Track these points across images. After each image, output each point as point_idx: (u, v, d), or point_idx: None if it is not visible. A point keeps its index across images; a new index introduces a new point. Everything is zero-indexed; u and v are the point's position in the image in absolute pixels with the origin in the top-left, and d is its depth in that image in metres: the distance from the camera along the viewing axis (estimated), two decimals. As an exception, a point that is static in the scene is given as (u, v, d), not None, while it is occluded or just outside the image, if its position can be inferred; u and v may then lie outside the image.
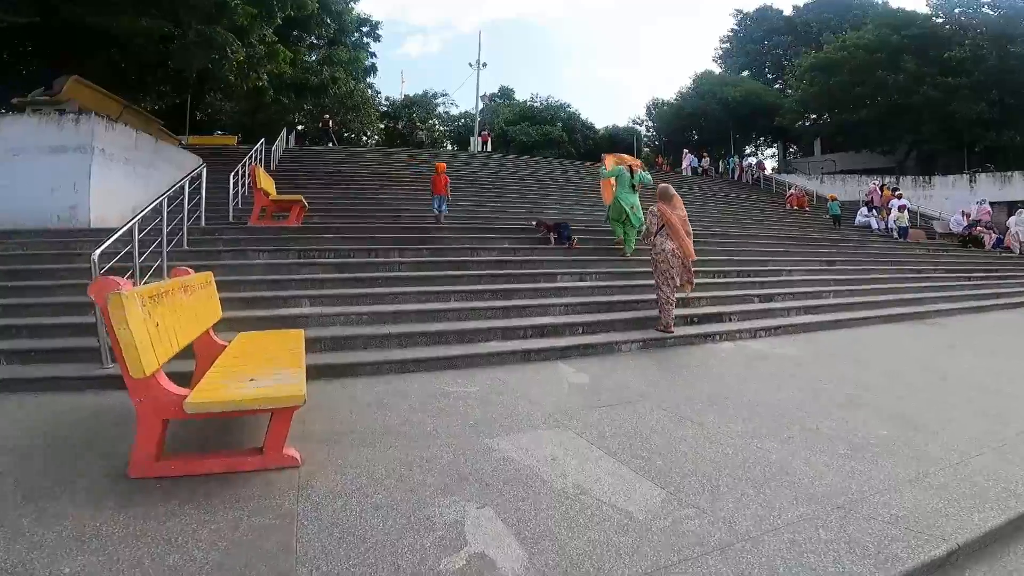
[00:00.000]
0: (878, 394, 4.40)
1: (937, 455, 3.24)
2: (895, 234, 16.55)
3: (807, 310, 7.59)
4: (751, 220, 15.98)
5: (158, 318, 2.67)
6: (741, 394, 4.33)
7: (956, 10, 25.49)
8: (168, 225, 5.80)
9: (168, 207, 5.82)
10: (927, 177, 23.62)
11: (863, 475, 2.95)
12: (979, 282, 11.35)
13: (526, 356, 5.25)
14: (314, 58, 22.96)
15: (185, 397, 2.73)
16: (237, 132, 28.62)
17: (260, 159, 13.43)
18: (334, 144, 24.53)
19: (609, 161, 8.58)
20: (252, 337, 4.09)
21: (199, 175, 7.46)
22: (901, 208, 15.84)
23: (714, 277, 8.18)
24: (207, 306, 3.66)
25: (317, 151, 20.45)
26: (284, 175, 14.27)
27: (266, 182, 8.13)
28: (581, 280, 7.11)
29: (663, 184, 6.48)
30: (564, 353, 5.40)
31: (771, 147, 41.08)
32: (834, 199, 18.19)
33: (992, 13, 24.51)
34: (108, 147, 8.46)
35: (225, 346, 3.89)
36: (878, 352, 5.98)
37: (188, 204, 6.61)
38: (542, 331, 5.72)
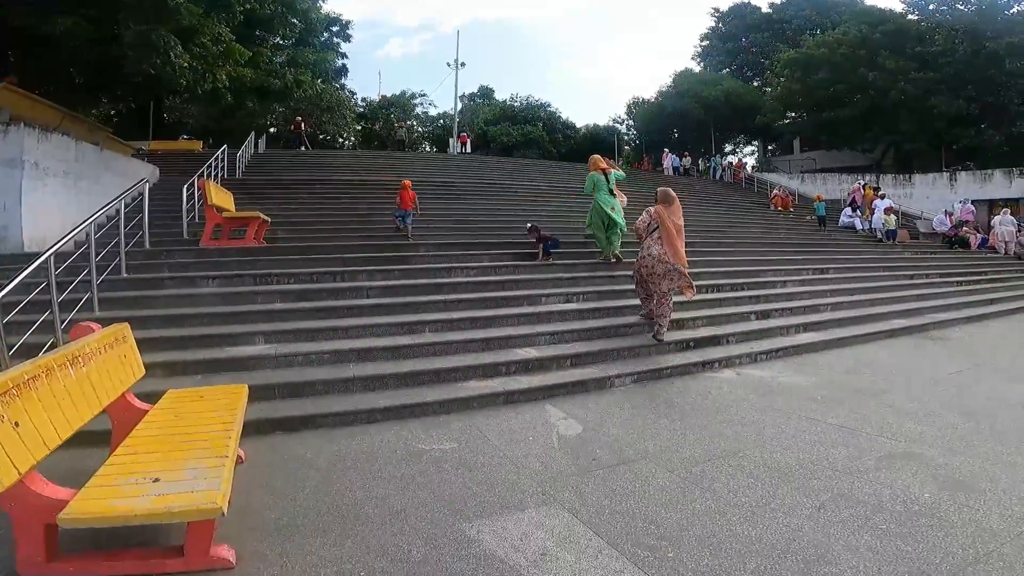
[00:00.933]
0: (912, 443, 3.90)
1: (997, 526, 2.74)
2: (880, 235, 16.29)
3: (807, 327, 7.14)
4: (738, 222, 15.62)
5: (18, 415, 2.02)
6: (757, 446, 3.79)
7: (931, 6, 25.58)
8: (99, 252, 5.08)
9: (101, 230, 5.09)
10: (907, 175, 23.63)
11: (916, 558, 2.43)
12: (972, 287, 11.11)
13: (509, 398, 4.67)
14: (279, 60, 21.87)
15: (66, 503, 2.12)
16: (207, 136, 27.50)
17: (221, 167, 12.60)
18: (307, 147, 23.64)
19: (591, 166, 7.95)
20: (182, 398, 3.42)
21: (141, 192, 6.70)
22: (888, 210, 15.61)
23: (708, 292, 7.69)
24: (118, 370, 3.00)
25: (287, 156, 19.58)
26: (249, 184, 13.48)
27: (219, 197, 7.38)
28: (568, 301, 6.54)
29: (664, 188, 6.11)
30: (551, 392, 4.83)
31: (749, 145, 41.15)
32: (820, 199, 18.02)
33: (965, 9, 24.62)
34: (42, 160, 7.62)
35: (147, 411, 3.23)
36: (895, 380, 5.50)
37: (125, 226, 5.85)
38: (527, 366, 5.13)
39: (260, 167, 16.07)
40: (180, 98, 24.42)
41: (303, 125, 24.20)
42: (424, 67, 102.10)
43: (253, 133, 19.46)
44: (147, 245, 6.79)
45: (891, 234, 14.51)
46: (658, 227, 5.77)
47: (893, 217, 15.26)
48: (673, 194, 5.96)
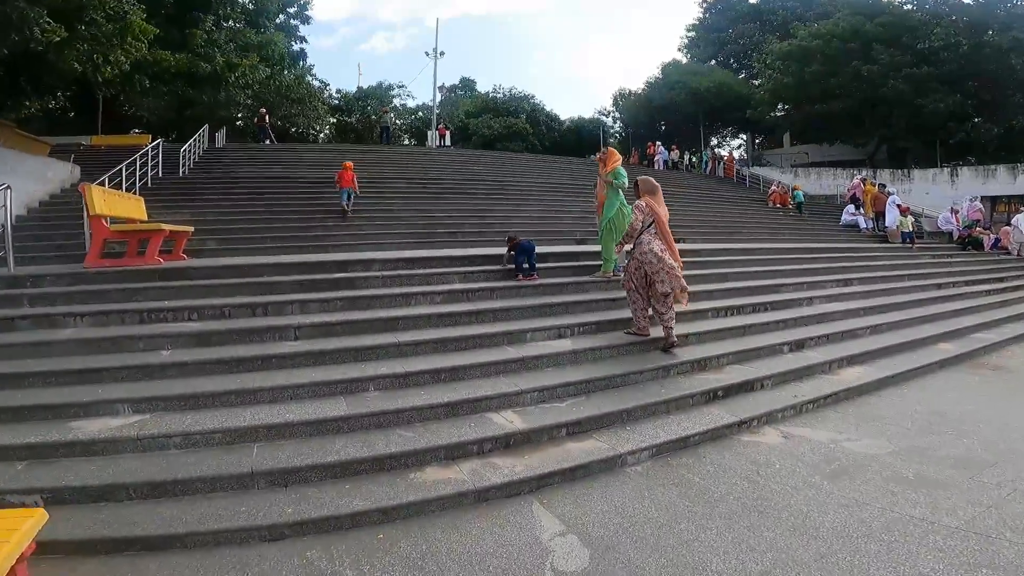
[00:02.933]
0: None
1: None
2: (901, 239, 14.77)
3: (850, 360, 5.83)
4: (740, 223, 14.40)
5: None
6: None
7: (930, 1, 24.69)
8: None
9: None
10: (906, 171, 22.71)
11: None
12: (1000, 296, 10.02)
13: (482, 496, 3.25)
14: (220, 40, 19.59)
15: None
16: (167, 130, 25.50)
17: (156, 164, 10.92)
18: (272, 142, 21.86)
19: (613, 160, 6.47)
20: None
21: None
22: (904, 211, 14.46)
23: (728, 315, 6.34)
24: None
25: (246, 151, 17.83)
26: (191, 184, 11.88)
27: (110, 205, 5.78)
28: (560, 337, 5.10)
29: (644, 176, 5.60)
30: (542, 483, 3.42)
31: (737, 138, 40.18)
32: (798, 189, 18.94)
33: (967, 1, 23.74)
34: None
35: None
36: (992, 441, 4.14)
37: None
38: (507, 442, 3.70)
39: (211, 164, 14.37)
40: (132, 90, 22.42)
41: (267, 118, 22.43)
42: (408, 62, 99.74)
43: (206, 126, 17.69)
44: (11, 270, 5.17)
45: (908, 236, 13.33)
46: (653, 222, 5.07)
47: (910, 219, 14.11)
48: (655, 182, 5.36)
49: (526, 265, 6.04)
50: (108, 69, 9.57)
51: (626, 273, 5.24)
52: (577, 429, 3.95)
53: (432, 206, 11.28)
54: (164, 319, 4.57)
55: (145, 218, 6.85)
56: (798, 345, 5.91)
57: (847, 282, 8.66)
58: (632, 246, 5.17)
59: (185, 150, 13.38)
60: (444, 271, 5.99)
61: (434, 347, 4.54)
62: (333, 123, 38.91)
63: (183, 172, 12.76)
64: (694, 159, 29.29)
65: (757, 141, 36.74)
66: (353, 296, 5.12)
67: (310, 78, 34.35)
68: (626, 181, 6.30)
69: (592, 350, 4.84)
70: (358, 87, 40.29)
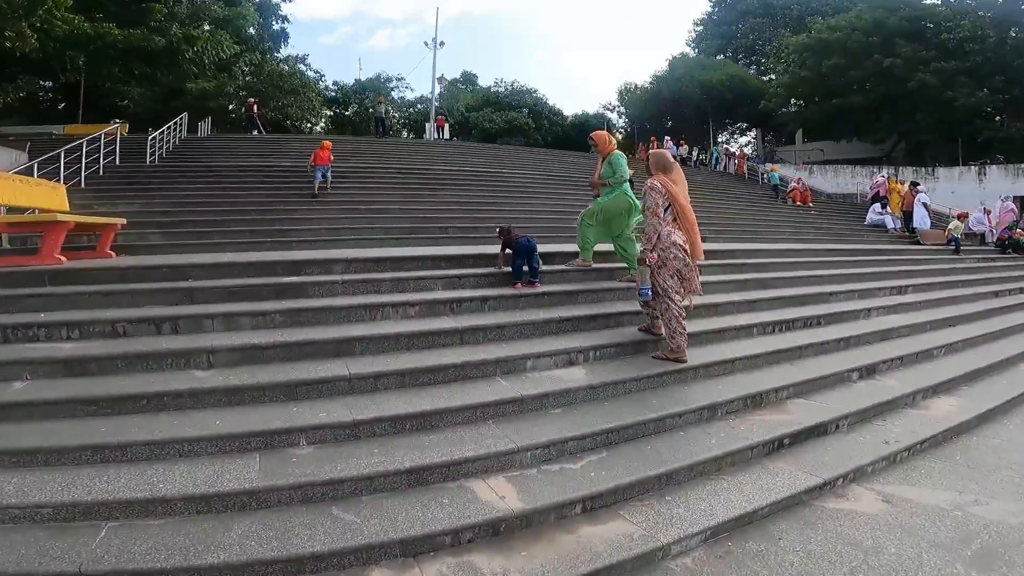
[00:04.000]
0: None
1: None
2: (951, 244, 13.14)
3: (935, 390, 4.62)
4: (760, 222, 13.17)
5: None
6: None
7: (956, -7, 23.47)
8: None
9: None
10: (930, 168, 21.42)
11: None
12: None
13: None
14: (181, 12, 18.04)
15: None
16: (155, 120, 24.49)
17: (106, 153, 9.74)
18: (260, 132, 20.74)
19: (607, 147, 5.27)
20: None
21: None
22: (963, 217, 13.42)
23: (776, 331, 5.12)
24: None
25: (224, 140, 16.77)
26: (153, 174, 10.77)
27: (6, 193, 4.56)
28: (570, 364, 3.88)
29: (655, 151, 4.57)
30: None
31: (745, 135, 38.86)
32: (775, 170, 19.07)
33: (992, -2, 22.52)
34: None
35: None
36: None
37: None
38: (495, 528, 2.50)
39: (184, 153, 13.20)
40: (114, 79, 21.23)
41: (255, 107, 21.33)
42: (409, 58, 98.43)
43: (185, 115, 16.60)
44: None
45: (955, 242, 12.05)
46: (671, 204, 3.99)
47: (963, 224, 13.03)
48: (671, 158, 4.24)
49: (526, 269, 4.81)
50: (18, 43, 8.28)
51: (653, 276, 4.03)
52: (597, 504, 2.74)
53: (421, 198, 10.06)
54: (34, 337, 3.36)
55: (66, 208, 5.66)
56: (869, 371, 4.69)
57: (901, 290, 7.42)
58: (652, 246, 3.97)
59: (154, 138, 12.23)
60: (424, 275, 4.75)
61: (399, 381, 3.32)
62: (329, 116, 37.69)
63: (150, 160, 11.63)
64: (703, 155, 28.03)
65: (768, 137, 35.46)
66: (299, 308, 3.89)
67: (303, 67, 33.18)
68: (627, 174, 5.10)
69: (614, 384, 3.61)
70: (356, 80, 39.03)
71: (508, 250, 4.92)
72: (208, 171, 11.06)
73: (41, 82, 24.39)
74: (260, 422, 2.83)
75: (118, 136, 10.40)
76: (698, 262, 4.05)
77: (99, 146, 9.58)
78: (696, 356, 4.08)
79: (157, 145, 12.11)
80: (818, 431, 3.67)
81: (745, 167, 24.29)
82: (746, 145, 37.69)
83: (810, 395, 4.14)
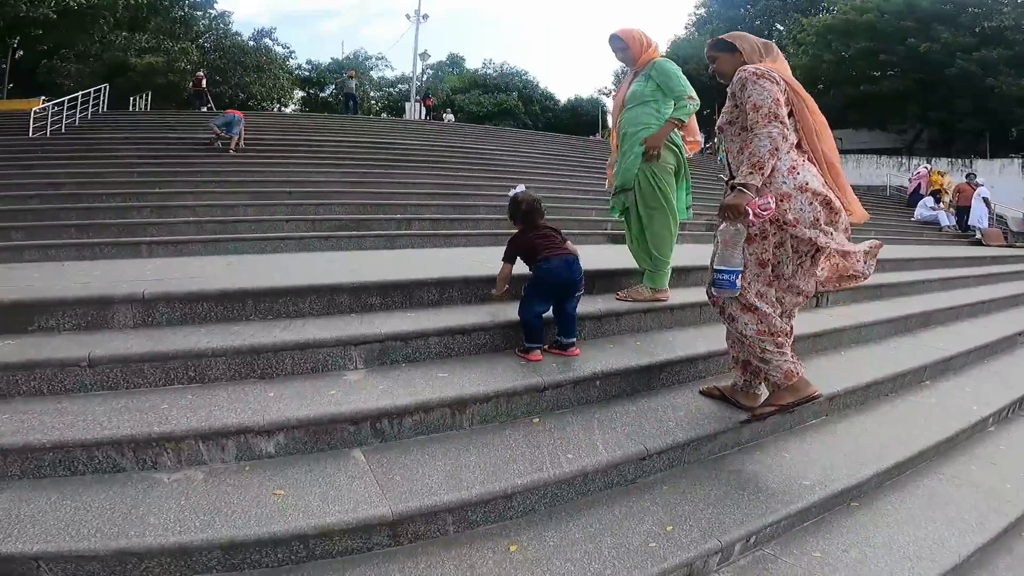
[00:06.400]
0: None
1: None
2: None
3: None
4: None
5: None
6: None
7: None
8: None
9: None
10: (967, 160, 19.31)
11: None
12: None
13: None
14: None
15: None
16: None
17: None
18: (211, 108, 18.07)
19: (647, 51, 2.76)
20: None
21: None
22: None
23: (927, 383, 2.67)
24: None
25: (140, 115, 14.21)
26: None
27: None
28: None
29: (737, 32, 2.24)
30: None
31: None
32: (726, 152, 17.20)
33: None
34: None
35: None
36: None
37: None
38: None
39: (85, 130, 10.47)
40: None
41: (203, 82, 18.72)
42: (402, 49, 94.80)
43: (105, 86, 14.10)
44: None
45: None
46: (793, 111, 1.94)
47: None
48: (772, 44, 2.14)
49: (549, 314, 2.28)
50: None
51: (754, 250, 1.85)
52: None
53: (379, 178, 7.47)
54: None
55: None
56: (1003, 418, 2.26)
57: (979, 305, 5.02)
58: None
59: (50, 110, 9.67)
60: (316, 337, 2.19)
61: None
62: (302, 97, 34.60)
63: (48, 131, 9.06)
64: (709, 144, 25.71)
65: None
66: (145, 349, 1.35)
67: (270, 42, 30.05)
68: (690, 90, 2.80)
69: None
70: (332, 59, 35.89)
71: (524, 262, 2.37)
72: (90, 146, 8.40)
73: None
74: None
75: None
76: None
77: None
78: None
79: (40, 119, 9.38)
80: None
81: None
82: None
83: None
